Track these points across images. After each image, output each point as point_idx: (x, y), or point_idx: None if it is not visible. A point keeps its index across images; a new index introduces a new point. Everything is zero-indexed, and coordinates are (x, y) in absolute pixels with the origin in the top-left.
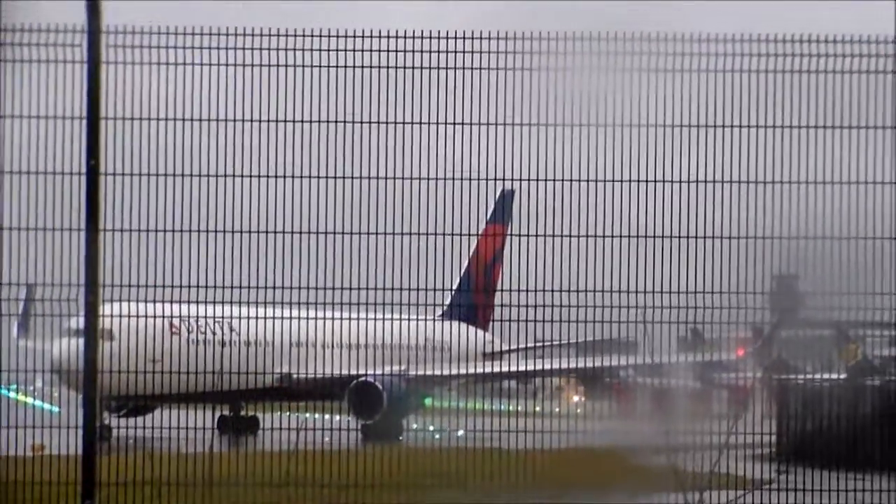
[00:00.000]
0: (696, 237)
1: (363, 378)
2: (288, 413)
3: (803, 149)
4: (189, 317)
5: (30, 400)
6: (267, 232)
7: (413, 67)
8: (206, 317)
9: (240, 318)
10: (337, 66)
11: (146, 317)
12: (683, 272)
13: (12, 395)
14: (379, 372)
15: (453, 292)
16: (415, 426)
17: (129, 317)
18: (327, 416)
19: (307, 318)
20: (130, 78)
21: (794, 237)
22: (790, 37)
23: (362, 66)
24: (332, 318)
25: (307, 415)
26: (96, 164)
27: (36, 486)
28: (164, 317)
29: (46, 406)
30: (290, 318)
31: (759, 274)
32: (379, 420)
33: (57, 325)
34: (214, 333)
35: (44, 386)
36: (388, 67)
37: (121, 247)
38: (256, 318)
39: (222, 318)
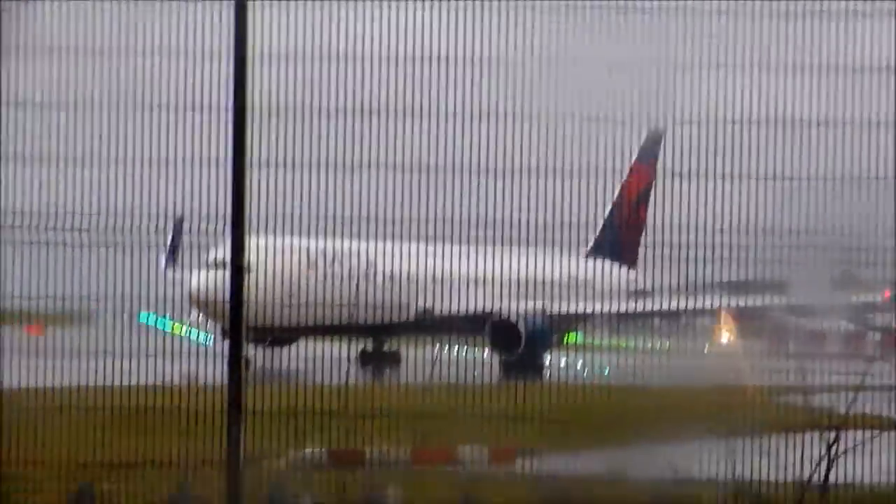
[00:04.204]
0: (850, 178)
1: (502, 314)
2: (430, 347)
3: None
4: (329, 251)
5: (184, 330)
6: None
7: None
8: (346, 251)
9: (376, 251)
10: None
11: (286, 250)
12: (837, 213)
13: (168, 326)
14: (520, 308)
15: (600, 230)
16: (563, 363)
17: (267, 250)
18: (469, 352)
19: (448, 253)
20: (277, 15)
21: None
22: None
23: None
24: (474, 254)
25: (456, 348)
26: (243, 100)
27: (183, 413)
28: (303, 250)
29: (200, 336)
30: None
31: None
32: (518, 356)
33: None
34: (353, 267)
35: (198, 316)
36: None
37: (268, 182)
38: (394, 252)
39: (361, 252)
